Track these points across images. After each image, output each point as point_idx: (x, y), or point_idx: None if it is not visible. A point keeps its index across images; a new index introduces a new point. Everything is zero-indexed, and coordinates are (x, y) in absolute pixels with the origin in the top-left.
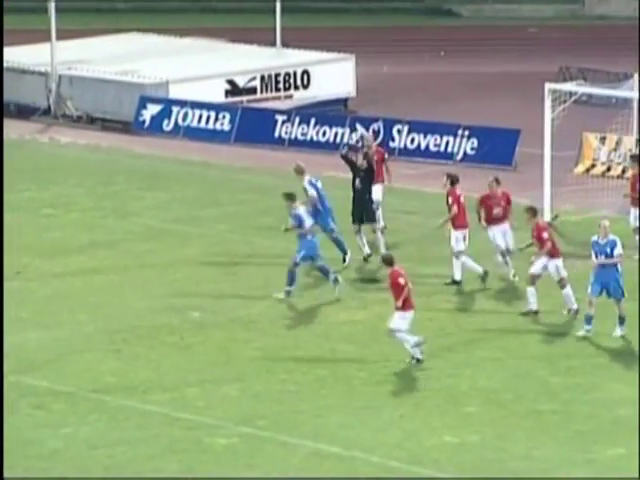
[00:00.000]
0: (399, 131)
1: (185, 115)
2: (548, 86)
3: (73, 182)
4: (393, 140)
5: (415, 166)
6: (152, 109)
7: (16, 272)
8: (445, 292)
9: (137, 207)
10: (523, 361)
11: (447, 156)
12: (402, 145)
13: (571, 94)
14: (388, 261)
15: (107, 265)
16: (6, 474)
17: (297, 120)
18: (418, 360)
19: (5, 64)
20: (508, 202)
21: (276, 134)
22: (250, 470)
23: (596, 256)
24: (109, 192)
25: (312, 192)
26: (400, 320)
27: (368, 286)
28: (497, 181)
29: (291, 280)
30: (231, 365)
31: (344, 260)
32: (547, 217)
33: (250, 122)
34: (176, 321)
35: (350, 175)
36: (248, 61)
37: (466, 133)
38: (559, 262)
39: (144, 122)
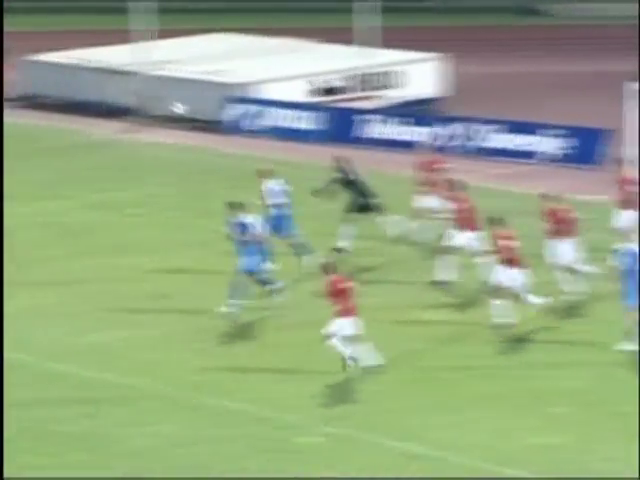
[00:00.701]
0: (489, 131)
1: (273, 115)
2: None
3: (161, 181)
4: (483, 140)
5: (505, 166)
6: (241, 109)
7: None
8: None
9: None
10: (608, 363)
11: (536, 156)
12: (491, 145)
13: None
14: (331, 269)
15: (196, 265)
16: (91, 473)
17: (387, 120)
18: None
19: (95, 64)
20: (557, 220)
21: (365, 134)
22: (336, 470)
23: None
24: (197, 192)
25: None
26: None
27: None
28: (544, 197)
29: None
30: (318, 364)
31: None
32: None
33: (339, 122)
34: (261, 320)
35: None
36: (337, 61)
37: (555, 133)
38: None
39: (232, 122)
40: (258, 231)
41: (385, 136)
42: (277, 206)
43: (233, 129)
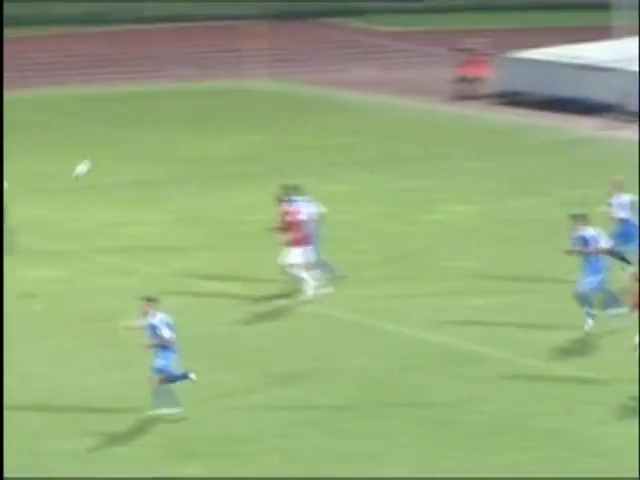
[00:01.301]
0: None
1: None
2: None
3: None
4: None
5: None
6: None
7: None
8: None
9: None
10: None
11: None
12: None
13: None
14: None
15: None
16: (565, 469)
17: None
18: None
19: (574, 60)
20: None
21: None
22: None
23: None
24: None
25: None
26: None
27: None
28: None
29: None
30: None
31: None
32: None
33: None
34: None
35: None
36: None
37: None
38: None
39: None
40: (600, 245)
41: None
42: (622, 220)
43: None
